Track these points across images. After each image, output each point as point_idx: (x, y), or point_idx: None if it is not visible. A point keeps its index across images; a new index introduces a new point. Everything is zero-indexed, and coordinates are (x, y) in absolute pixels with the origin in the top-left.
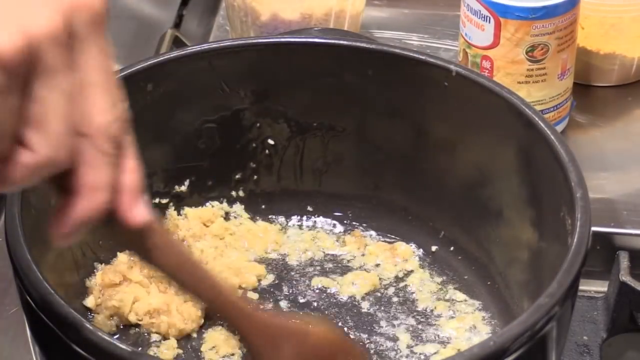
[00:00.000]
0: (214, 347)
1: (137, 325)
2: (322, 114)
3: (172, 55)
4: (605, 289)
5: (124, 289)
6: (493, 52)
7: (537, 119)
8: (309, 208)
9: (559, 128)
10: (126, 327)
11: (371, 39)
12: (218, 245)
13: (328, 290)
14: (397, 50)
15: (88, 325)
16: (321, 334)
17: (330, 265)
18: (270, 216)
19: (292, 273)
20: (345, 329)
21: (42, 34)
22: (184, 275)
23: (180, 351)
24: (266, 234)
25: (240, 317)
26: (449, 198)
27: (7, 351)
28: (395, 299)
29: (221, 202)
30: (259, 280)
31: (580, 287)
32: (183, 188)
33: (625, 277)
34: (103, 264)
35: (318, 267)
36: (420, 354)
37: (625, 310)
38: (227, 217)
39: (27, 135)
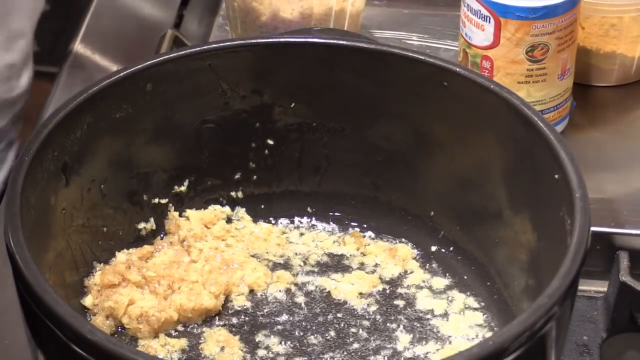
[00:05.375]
0: (214, 346)
1: None
2: (321, 114)
3: (172, 55)
4: (605, 289)
5: (121, 291)
6: (493, 52)
7: (536, 119)
8: (309, 209)
9: (559, 128)
10: (125, 327)
11: (371, 39)
12: (219, 247)
13: (327, 291)
14: (397, 50)
15: (87, 325)
16: None
17: (330, 265)
18: (269, 216)
19: (292, 273)
20: (345, 329)
21: None
22: None
23: (181, 351)
24: (267, 236)
25: None
26: (449, 198)
27: (7, 351)
28: (394, 299)
29: (222, 204)
30: (264, 281)
31: (580, 287)
32: (183, 188)
33: (625, 277)
34: (102, 264)
35: (317, 268)
36: (419, 354)
37: (625, 310)
38: (229, 220)
39: None
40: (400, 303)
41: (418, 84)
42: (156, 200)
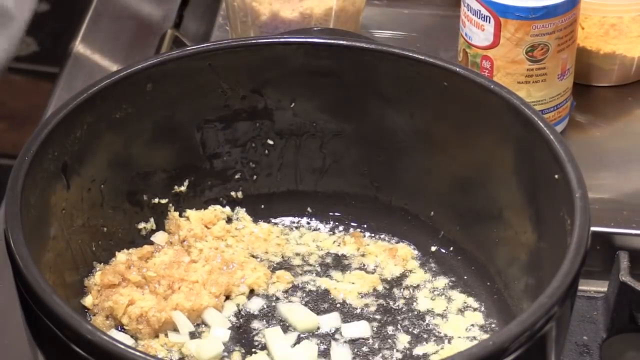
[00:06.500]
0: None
1: None
2: (321, 114)
3: (172, 55)
4: (605, 289)
5: (121, 291)
6: (493, 52)
7: (536, 119)
8: (309, 209)
9: (559, 128)
10: (125, 327)
11: (371, 39)
12: (219, 247)
13: (327, 291)
14: (397, 50)
15: (87, 325)
16: None
17: (330, 265)
18: (269, 217)
19: (292, 273)
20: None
21: None
22: None
23: (181, 351)
24: (267, 236)
25: None
26: (449, 198)
27: (7, 351)
28: (394, 299)
29: (222, 204)
30: (264, 281)
31: (580, 287)
32: (183, 188)
33: (625, 277)
34: (102, 264)
35: (317, 268)
36: (419, 354)
37: (625, 310)
38: (229, 220)
39: None
40: (400, 303)
41: (418, 84)
42: (156, 200)
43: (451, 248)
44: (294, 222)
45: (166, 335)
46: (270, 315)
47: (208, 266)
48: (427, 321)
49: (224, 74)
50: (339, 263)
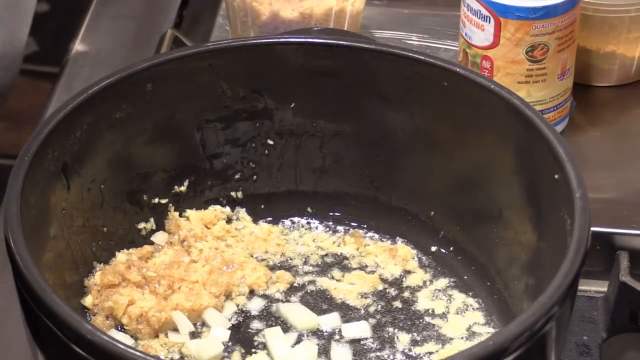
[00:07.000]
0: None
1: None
2: (321, 114)
3: (172, 55)
4: (605, 289)
5: (121, 291)
6: (493, 52)
7: (536, 119)
8: (309, 209)
9: (559, 128)
10: (125, 327)
11: (371, 39)
12: (219, 247)
13: (327, 291)
14: (397, 50)
15: (87, 325)
16: None
17: (330, 265)
18: (269, 217)
19: (292, 273)
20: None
21: None
22: None
23: (181, 351)
24: (267, 236)
25: None
26: (449, 198)
27: (7, 351)
28: (394, 299)
29: (222, 204)
30: (264, 281)
31: (580, 287)
32: (183, 188)
33: (625, 277)
34: (102, 264)
35: (317, 268)
36: (419, 354)
37: (625, 310)
38: (229, 220)
39: None
40: (400, 303)
41: (418, 84)
42: (156, 200)
43: (451, 248)
44: (294, 222)
45: (166, 335)
46: (270, 315)
47: (208, 266)
48: (427, 321)
49: (224, 74)
50: (339, 263)
